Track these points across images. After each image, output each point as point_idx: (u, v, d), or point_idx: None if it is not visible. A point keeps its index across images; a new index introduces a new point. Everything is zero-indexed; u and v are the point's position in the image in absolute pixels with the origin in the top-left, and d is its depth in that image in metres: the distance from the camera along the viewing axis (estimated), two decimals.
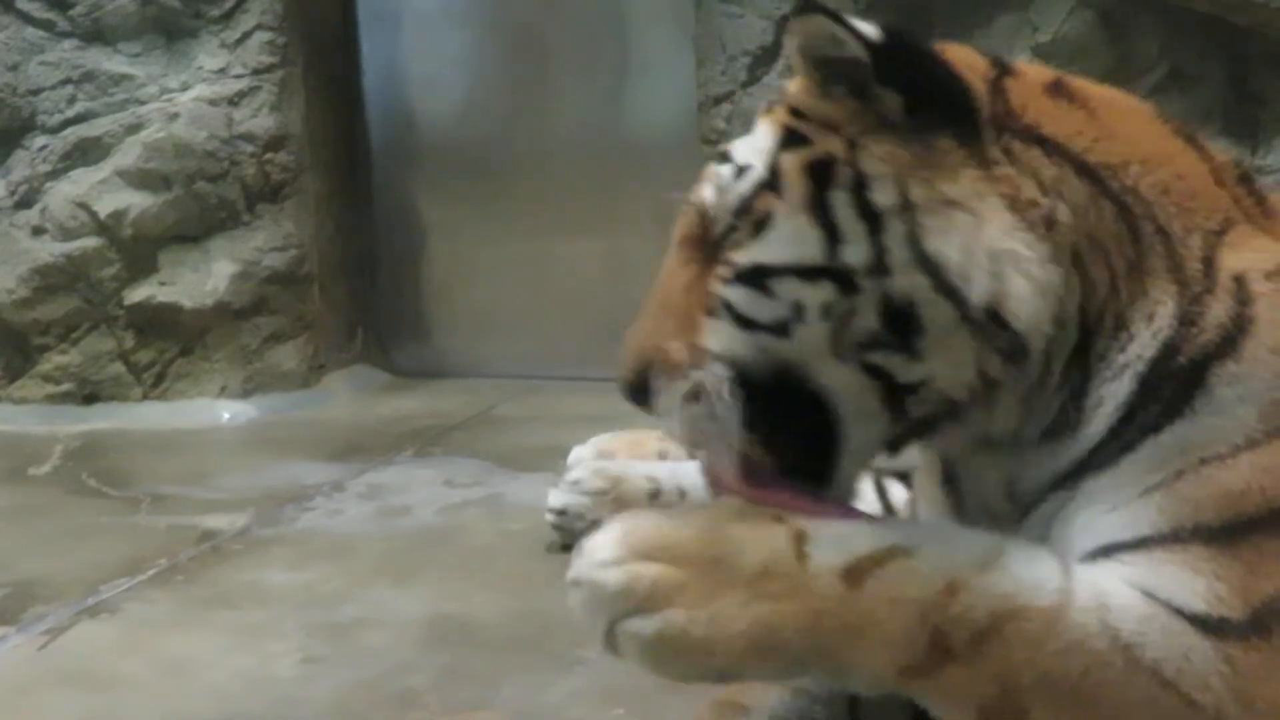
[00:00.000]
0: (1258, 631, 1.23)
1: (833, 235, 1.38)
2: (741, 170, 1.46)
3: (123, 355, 4.29)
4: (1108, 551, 1.31)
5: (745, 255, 1.42)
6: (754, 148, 1.47)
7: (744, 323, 1.41)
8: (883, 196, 1.37)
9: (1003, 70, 1.48)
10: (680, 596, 1.28)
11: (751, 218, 1.43)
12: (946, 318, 1.35)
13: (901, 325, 1.36)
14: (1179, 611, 1.24)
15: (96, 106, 4.27)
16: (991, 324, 1.34)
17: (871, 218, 1.37)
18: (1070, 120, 1.43)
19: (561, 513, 2.48)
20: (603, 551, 1.31)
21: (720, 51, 3.82)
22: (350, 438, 3.77)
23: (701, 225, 1.48)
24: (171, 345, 4.29)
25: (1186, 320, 1.35)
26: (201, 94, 4.23)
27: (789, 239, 1.40)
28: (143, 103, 4.25)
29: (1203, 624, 1.23)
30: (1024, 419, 1.43)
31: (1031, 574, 1.27)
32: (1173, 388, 1.33)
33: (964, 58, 1.48)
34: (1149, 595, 1.25)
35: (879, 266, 1.36)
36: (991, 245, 1.33)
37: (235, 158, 4.25)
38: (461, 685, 1.92)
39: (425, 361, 4.74)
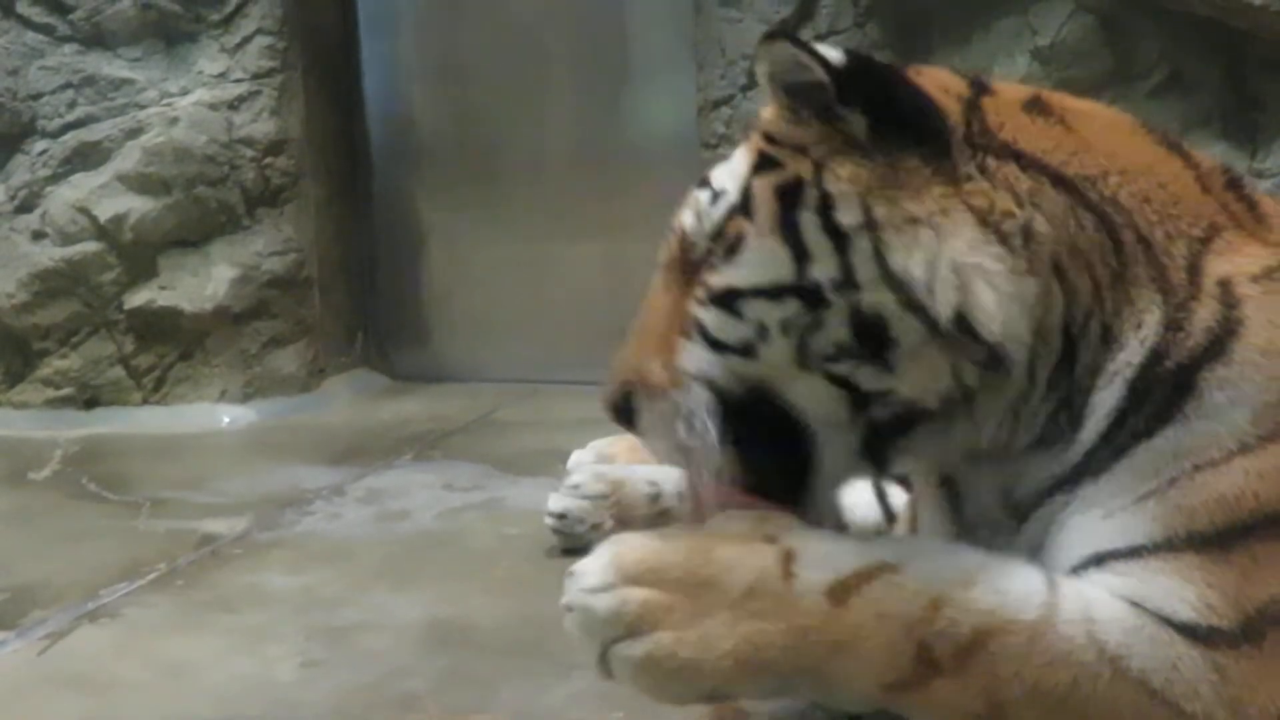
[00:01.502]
0: (1250, 639, 1.23)
1: (801, 254, 1.42)
2: (717, 195, 1.51)
3: (123, 359, 4.29)
4: (1100, 560, 1.32)
5: (718, 278, 1.47)
6: (730, 173, 1.53)
7: (715, 345, 1.46)
8: (847, 216, 1.41)
9: (980, 90, 1.51)
10: (668, 619, 1.31)
11: (725, 241, 1.48)
12: (916, 332, 1.38)
13: (873, 339, 1.40)
14: (1168, 621, 1.25)
15: (96, 111, 4.27)
16: (962, 336, 1.36)
17: (838, 236, 1.41)
18: (1047, 135, 1.46)
19: (561, 517, 2.48)
20: (592, 577, 1.34)
21: (720, 56, 3.82)
22: (350, 442, 3.77)
23: (681, 250, 1.54)
24: (171, 349, 4.29)
25: (1173, 326, 1.36)
26: (201, 98, 4.23)
27: (759, 261, 1.45)
28: (143, 107, 4.25)
29: (1192, 633, 1.24)
30: (1012, 430, 1.44)
31: (1016, 588, 1.29)
32: (1163, 393, 1.34)
33: (939, 79, 1.52)
34: (1137, 606, 1.26)
35: (847, 282, 1.40)
36: (957, 259, 1.36)
37: (235, 162, 4.25)
38: (461, 689, 1.92)
39: (425, 366, 4.74)
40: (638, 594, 1.31)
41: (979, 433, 1.44)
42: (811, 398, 1.44)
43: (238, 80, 4.25)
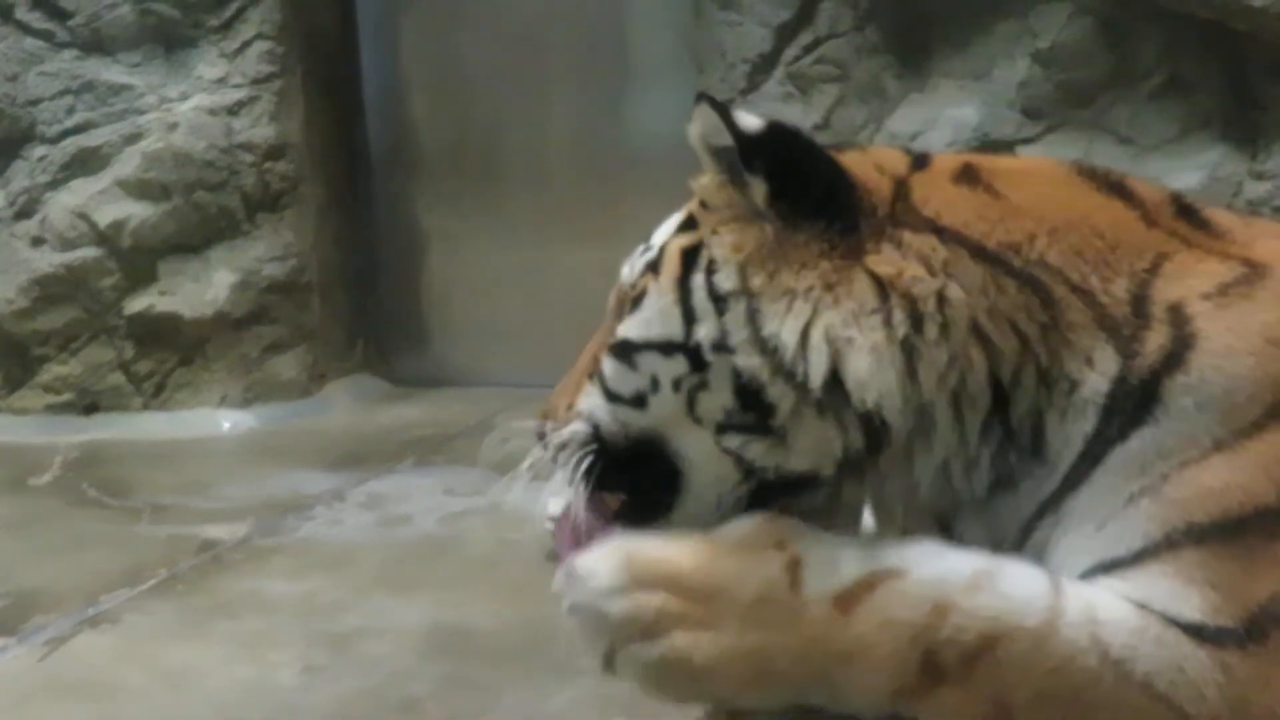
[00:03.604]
0: (1253, 638, 1.23)
1: (690, 315, 1.50)
2: (646, 250, 1.62)
3: (123, 365, 4.29)
4: (1105, 569, 1.33)
5: (622, 329, 1.57)
6: (662, 233, 1.63)
7: (609, 395, 1.58)
8: (726, 281, 1.48)
9: (916, 166, 1.57)
10: (681, 625, 1.33)
11: (634, 293, 1.58)
12: (788, 397, 1.43)
13: (754, 405, 1.46)
14: (1173, 622, 1.25)
15: (96, 117, 4.27)
16: (835, 403, 1.41)
17: (718, 300, 1.48)
18: (971, 206, 1.50)
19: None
20: (603, 578, 1.36)
21: (720, 59, 3.82)
22: (350, 447, 3.76)
23: (617, 298, 1.65)
24: (171, 355, 4.29)
25: (1129, 355, 1.40)
26: (201, 104, 4.23)
27: (654, 316, 1.54)
28: (142, 112, 4.25)
29: (1198, 633, 1.24)
30: (964, 478, 1.48)
31: (1020, 593, 1.29)
32: (1131, 403, 1.37)
33: (880, 158, 1.58)
34: (1142, 608, 1.27)
35: (723, 344, 1.47)
36: (831, 331, 1.41)
37: (235, 167, 4.25)
38: (462, 694, 1.92)
39: (425, 370, 4.74)
40: (653, 599, 1.33)
41: (914, 485, 1.49)
42: (700, 453, 1.52)
43: (237, 85, 4.26)
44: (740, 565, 1.35)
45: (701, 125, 1.53)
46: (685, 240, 1.55)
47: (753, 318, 1.45)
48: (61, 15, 4.29)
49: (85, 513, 3.14)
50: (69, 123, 4.29)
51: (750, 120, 1.49)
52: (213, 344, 4.27)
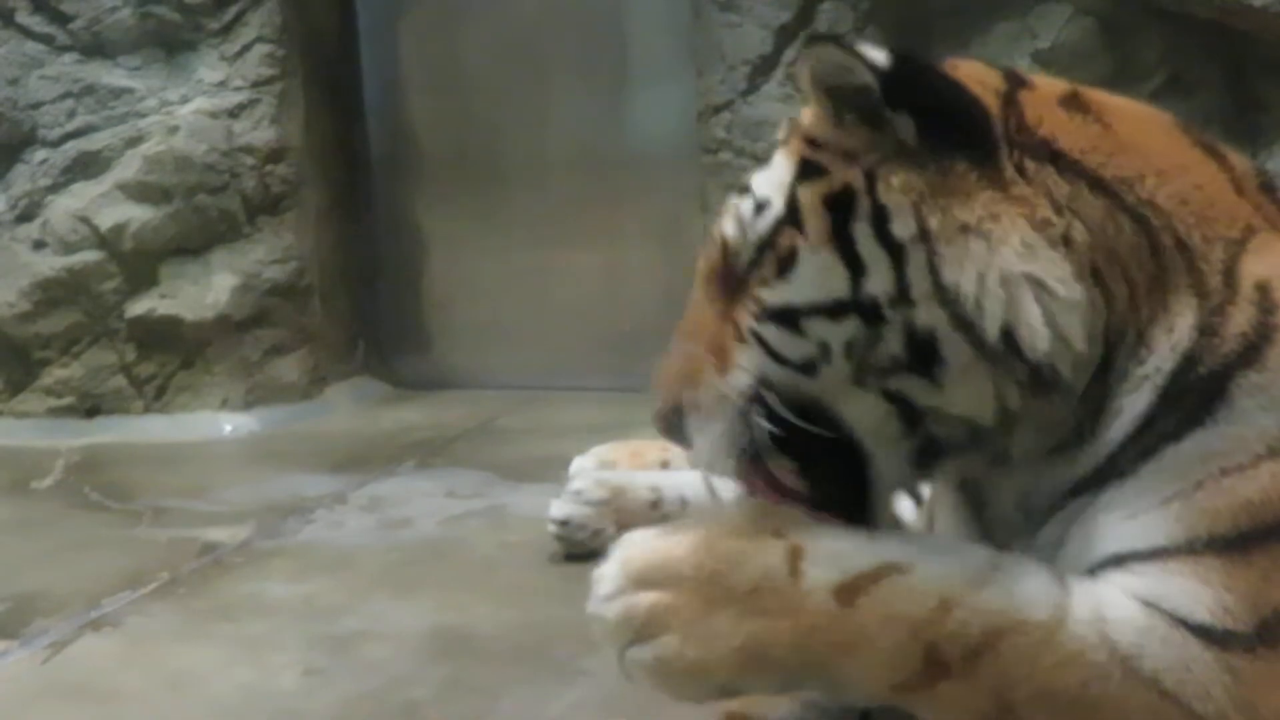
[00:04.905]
0: (1265, 641, 1.22)
1: (857, 268, 1.38)
2: (761, 205, 1.47)
3: (124, 368, 4.29)
4: (1120, 560, 1.31)
5: (774, 295, 1.43)
6: (772, 181, 1.48)
7: (776, 358, 1.42)
8: (902, 227, 1.37)
9: (1017, 83, 1.47)
10: (675, 619, 1.31)
11: (775, 254, 1.43)
12: (965, 352, 1.35)
13: (925, 355, 1.36)
14: (1182, 622, 1.24)
15: (96, 120, 4.28)
16: (1010, 355, 1.33)
17: (894, 249, 1.37)
18: (1085, 134, 1.42)
19: (564, 523, 2.48)
20: (606, 584, 1.35)
21: (720, 61, 3.82)
22: (352, 449, 3.76)
23: (725, 260, 1.49)
24: (173, 358, 4.29)
25: (1207, 331, 1.34)
26: (201, 107, 4.24)
27: (815, 276, 1.40)
28: (143, 116, 4.25)
29: (1206, 634, 1.23)
30: (1042, 438, 1.42)
31: (1027, 588, 1.28)
32: (1193, 398, 1.32)
33: (976, 73, 1.48)
34: (1151, 606, 1.25)
35: (903, 298, 1.36)
36: (1005, 270, 1.33)
37: (235, 170, 4.25)
38: (463, 697, 1.92)
39: (426, 373, 4.74)
40: (644, 598, 1.32)
41: (1012, 444, 1.42)
42: (865, 414, 1.41)
43: (238, 88, 4.26)
44: (738, 552, 1.33)
45: (819, 66, 1.42)
46: (823, 188, 1.42)
47: (933, 264, 1.34)
48: (62, 19, 4.29)
49: (87, 516, 3.14)
50: (70, 126, 4.29)
51: (878, 54, 1.39)
52: (214, 347, 4.28)
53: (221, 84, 4.26)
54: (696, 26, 3.93)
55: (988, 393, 1.36)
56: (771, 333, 1.42)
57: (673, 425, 1.49)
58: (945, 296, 1.34)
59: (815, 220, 1.41)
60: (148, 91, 4.27)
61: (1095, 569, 1.32)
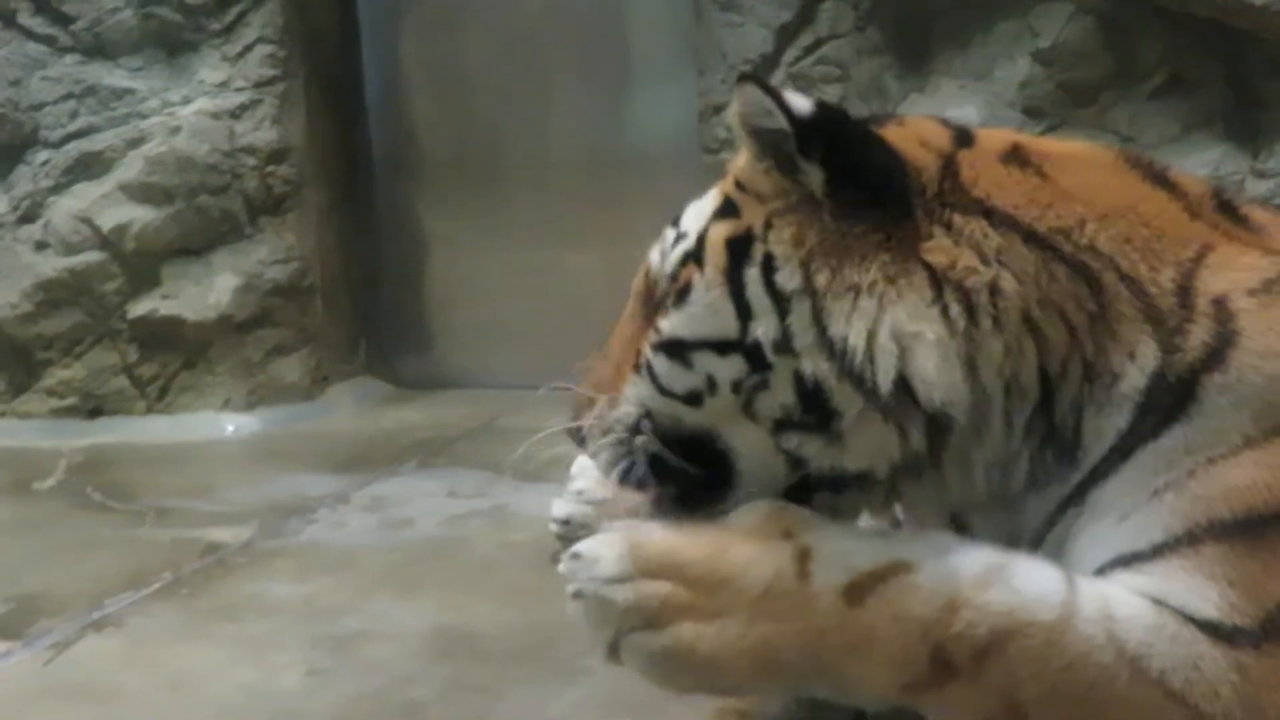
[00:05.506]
0: (1270, 637, 1.23)
1: (745, 312, 1.43)
2: (680, 237, 1.53)
3: (126, 369, 4.29)
4: (1124, 561, 1.32)
5: (668, 325, 1.49)
6: (696, 214, 1.54)
7: (661, 390, 1.49)
8: (787, 278, 1.41)
9: (961, 142, 1.51)
10: (687, 614, 1.31)
11: (676, 286, 1.49)
12: (855, 401, 1.38)
13: (816, 405, 1.40)
14: (1190, 619, 1.24)
15: (98, 121, 4.28)
16: (906, 404, 1.37)
17: (779, 299, 1.41)
18: (1022, 189, 1.45)
19: (565, 523, 2.48)
20: (609, 565, 1.34)
21: (721, 61, 3.82)
22: (354, 450, 3.77)
23: (646, 285, 1.57)
24: (175, 358, 4.29)
25: (1170, 349, 1.37)
26: (203, 107, 4.24)
27: (704, 314, 1.46)
28: (144, 117, 4.25)
29: (1214, 631, 1.23)
30: (1003, 476, 1.45)
31: (1034, 588, 1.28)
32: (1166, 401, 1.35)
33: (921, 131, 1.51)
34: (1159, 603, 1.26)
35: (787, 346, 1.41)
36: (898, 328, 1.36)
37: (237, 170, 4.26)
38: (465, 697, 1.92)
39: (428, 373, 4.74)
40: (659, 588, 1.32)
41: (970, 483, 1.45)
42: (753, 449, 1.46)
43: (239, 89, 4.26)
44: (748, 555, 1.34)
45: (745, 105, 1.45)
46: (728, 229, 1.47)
47: (818, 318, 1.39)
48: (64, 20, 4.29)
49: (89, 516, 3.14)
50: (72, 127, 4.29)
51: (800, 102, 1.42)
52: (216, 347, 4.28)
53: (223, 84, 4.26)
54: (697, 26, 3.93)
55: (889, 441, 1.40)
56: (661, 363, 1.49)
57: (579, 440, 1.59)
58: (833, 350, 1.38)
59: (715, 259, 1.46)
60: (149, 92, 4.27)
61: (1098, 574, 1.33)
